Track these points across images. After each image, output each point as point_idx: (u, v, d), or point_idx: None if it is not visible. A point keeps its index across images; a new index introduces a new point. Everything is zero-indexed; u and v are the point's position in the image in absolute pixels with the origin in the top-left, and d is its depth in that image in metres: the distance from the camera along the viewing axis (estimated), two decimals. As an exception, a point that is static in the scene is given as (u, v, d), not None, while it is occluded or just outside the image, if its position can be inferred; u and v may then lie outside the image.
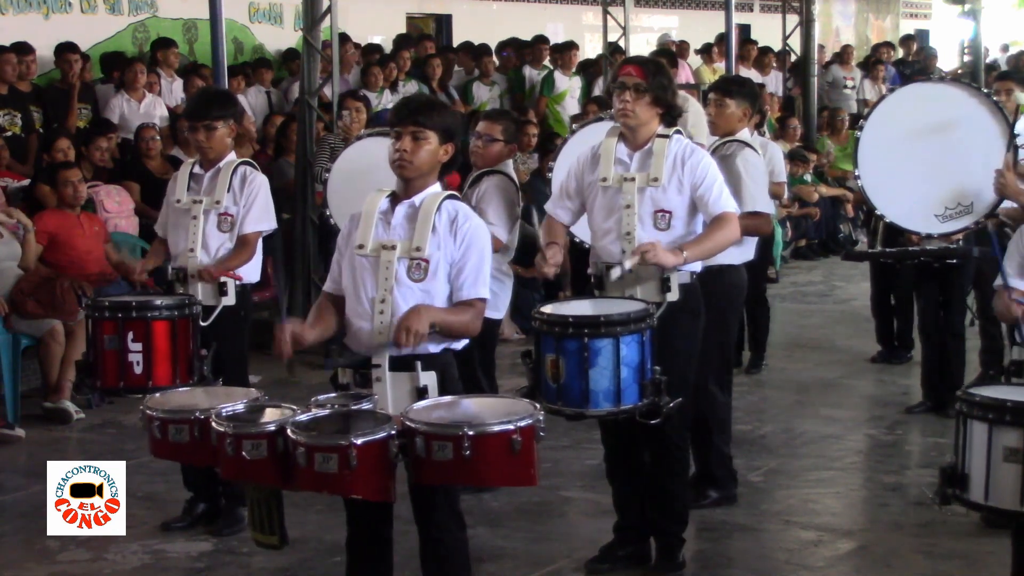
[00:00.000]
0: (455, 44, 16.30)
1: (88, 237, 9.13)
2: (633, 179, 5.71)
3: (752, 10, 21.90)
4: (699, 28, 19.02)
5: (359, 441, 4.28)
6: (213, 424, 4.58)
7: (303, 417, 4.50)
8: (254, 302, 6.91)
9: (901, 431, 8.16)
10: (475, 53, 15.39)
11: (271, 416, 4.59)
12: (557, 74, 15.28)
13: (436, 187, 4.89)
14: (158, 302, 6.24)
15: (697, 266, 5.78)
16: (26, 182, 9.95)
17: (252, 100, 13.45)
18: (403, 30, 16.18)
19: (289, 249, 10.50)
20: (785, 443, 7.95)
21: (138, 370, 6.11)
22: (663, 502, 5.91)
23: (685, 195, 5.70)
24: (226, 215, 6.50)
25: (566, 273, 10.56)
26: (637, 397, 5.32)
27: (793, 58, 18.18)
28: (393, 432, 4.38)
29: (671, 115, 5.80)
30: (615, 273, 5.56)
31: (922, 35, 24.93)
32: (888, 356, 9.87)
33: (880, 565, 6.09)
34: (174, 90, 12.56)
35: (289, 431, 4.40)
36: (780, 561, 6.16)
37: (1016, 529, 5.08)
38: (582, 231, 6.70)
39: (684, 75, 15.48)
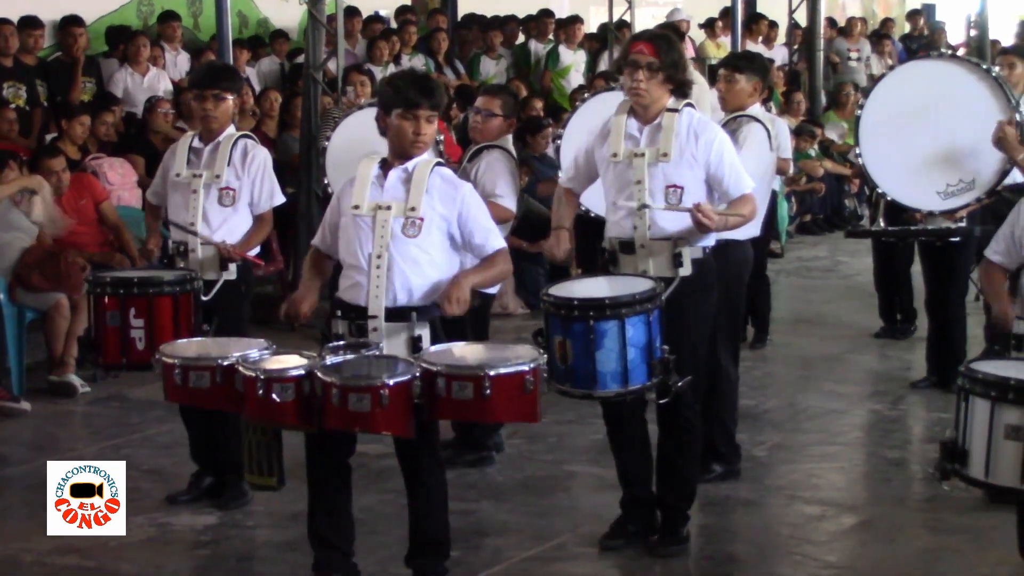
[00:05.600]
0: (460, 17, 16.26)
1: (73, 220, 9.06)
2: (643, 155, 5.69)
3: (758, -17, 21.77)
4: (704, 2, 18.92)
5: (391, 381, 4.74)
6: (241, 369, 4.99)
7: (330, 361, 4.92)
8: (257, 276, 6.90)
9: (905, 406, 8.16)
10: (482, 27, 15.37)
11: (291, 362, 5.03)
12: (562, 48, 15.25)
13: (426, 155, 5.35)
14: (159, 277, 6.23)
15: (710, 240, 5.77)
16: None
17: (265, 70, 13.43)
18: (407, 2, 16.12)
19: (293, 223, 10.50)
20: (789, 418, 7.96)
21: (140, 346, 6.09)
22: (671, 477, 5.91)
23: (697, 170, 5.68)
24: (227, 189, 6.48)
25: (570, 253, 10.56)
26: (645, 377, 5.34)
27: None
28: (418, 374, 4.83)
29: (682, 90, 5.78)
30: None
31: (929, 9, 24.81)
32: (892, 331, 9.87)
33: (883, 540, 6.10)
34: (178, 63, 12.53)
35: (320, 374, 4.84)
36: (783, 536, 6.18)
37: (1021, 505, 5.09)
38: (591, 202, 6.70)
39: (689, 50, 15.44)
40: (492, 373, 4.78)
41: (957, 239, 7.92)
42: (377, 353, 5.06)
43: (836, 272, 12.90)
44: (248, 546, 6.16)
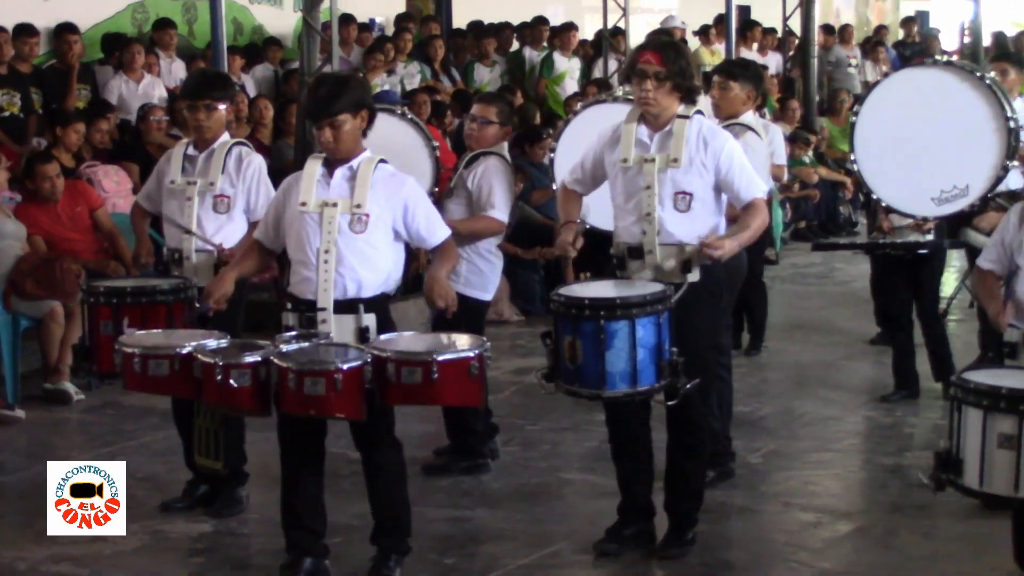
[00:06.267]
0: (463, 25, 16.28)
1: (68, 228, 9.07)
2: (653, 160, 5.70)
3: (752, -10, 21.82)
4: (699, 9, 18.96)
5: (345, 366, 5.00)
6: (200, 357, 5.20)
7: (285, 348, 5.15)
8: (252, 283, 6.89)
9: (900, 413, 8.15)
10: (476, 34, 15.38)
11: (248, 350, 5.22)
12: (556, 55, 15.27)
13: (367, 152, 5.51)
14: (153, 286, 6.22)
15: None
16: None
17: (259, 77, 13.43)
18: (402, 10, 16.14)
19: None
20: (784, 425, 7.96)
21: None
22: (680, 482, 5.90)
23: (707, 177, 5.69)
24: (222, 197, 6.47)
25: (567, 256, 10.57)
26: (654, 378, 5.38)
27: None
28: (369, 360, 5.07)
29: (691, 96, 5.79)
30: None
31: (922, 16, 24.87)
32: (887, 338, 9.84)
33: (879, 547, 6.11)
34: (173, 71, 12.53)
35: (276, 360, 5.08)
36: (779, 543, 6.17)
37: (1016, 511, 5.09)
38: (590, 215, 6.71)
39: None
40: (440, 359, 5.01)
41: (925, 251, 7.93)
42: (328, 341, 5.28)
43: (831, 279, 12.90)
44: (243, 553, 6.15)
